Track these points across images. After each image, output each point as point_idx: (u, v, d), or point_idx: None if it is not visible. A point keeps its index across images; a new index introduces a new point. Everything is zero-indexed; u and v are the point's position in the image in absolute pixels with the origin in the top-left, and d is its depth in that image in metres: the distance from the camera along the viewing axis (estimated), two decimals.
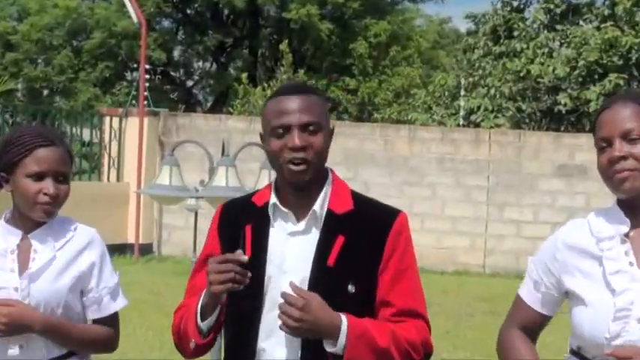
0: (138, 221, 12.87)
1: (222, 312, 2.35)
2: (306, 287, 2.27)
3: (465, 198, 12.99)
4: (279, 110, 2.32)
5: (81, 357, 2.61)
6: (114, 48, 23.63)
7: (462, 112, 17.12)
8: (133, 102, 14.77)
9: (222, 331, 2.42)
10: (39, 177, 2.50)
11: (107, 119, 13.34)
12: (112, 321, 2.64)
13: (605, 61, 15.54)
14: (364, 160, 13.05)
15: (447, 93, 18.17)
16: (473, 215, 12.96)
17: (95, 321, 2.62)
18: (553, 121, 16.21)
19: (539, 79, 16.01)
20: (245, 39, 26.42)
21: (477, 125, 15.95)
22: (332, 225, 2.34)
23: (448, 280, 11.88)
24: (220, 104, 25.15)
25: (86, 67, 24.07)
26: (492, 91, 16.39)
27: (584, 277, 2.24)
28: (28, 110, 13.74)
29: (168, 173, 4.74)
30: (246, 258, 2.22)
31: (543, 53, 16.31)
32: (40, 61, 24.48)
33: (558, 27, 16.87)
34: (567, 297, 2.32)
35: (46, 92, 24.89)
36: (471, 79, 17.39)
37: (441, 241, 12.96)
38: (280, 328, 2.21)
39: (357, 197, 2.41)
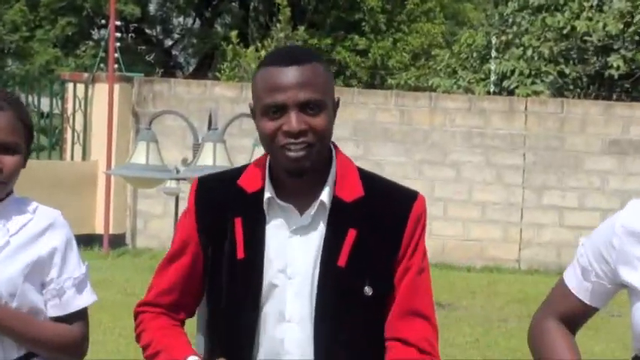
0: (108, 208, 12.90)
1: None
2: (314, 294, 2.27)
3: (496, 180, 13.00)
4: (272, 85, 2.26)
5: None
6: (77, 1, 23.60)
7: (492, 77, 17.08)
8: (101, 65, 14.75)
9: (204, 345, 2.43)
10: None
11: (70, 86, 13.33)
12: (78, 320, 2.61)
13: None
14: (376, 134, 13.06)
15: (474, 54, 18.13)
16: (506, 201, 12.97)
17: (57, 320, 2.59)
18: (603, 87, 16.18)
19: (585, 38, 15.96)
20: None
21: (511, 93, 15.92)
22: (340, 216, 2.32)
23: (476, 279, 11.91)
24: (205, 68, 25.14)
25: (44, 24, 24.05)
26: (529, 52, 16.34)
27: None
28: None
29: (144, 150, 4.75)
30: None
31: (591, 6, 16.25)
32: None
33: None
34: (623, 290, 2.32)
35: None
36: (503, 38, 17.33)
37: (468, 232, 12.98)
38: None
39: (366, 179, 2.39)
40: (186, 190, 5.66)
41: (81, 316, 2.63)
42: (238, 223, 2.33)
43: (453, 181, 13.02)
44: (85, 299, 2.62)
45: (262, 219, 2.33)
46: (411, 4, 24.19)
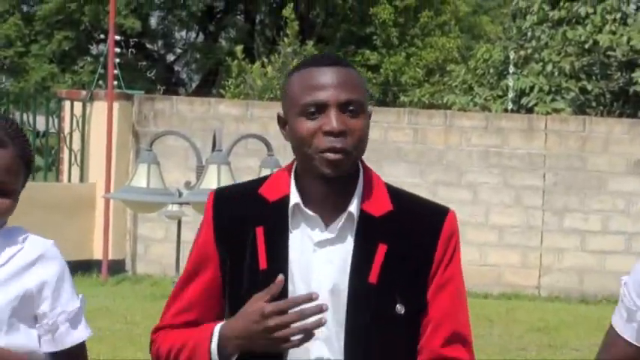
0: (107, 232, 12.91)
1: None
2: (342, 310, 2.28)
3: (514, 202, 13.00)
4: (313, 84, 2.29)
5: None
6: (75, 14, 23.69)
7: (510, 94, 17.09)
8: (100, 82, 14.80)
9: None
10: None
11: (67, 104, 13.36)
12: (75, 356, 2.60)
13: None
14: (389, 154, 13.07)
15: (491, 70, 18.14)
16: (525, 224, 12.96)
17: (53, 356, 2.57)
18: (627, 104, 16.18)
19: (609, 52, 15.98)
20: (240, 2, 26.50)
21: (530, 110, 15.93)
22: (370, 230, 2.34)
23: (494, 306, 11.88)
24: (209, 84, 25.21)
25: (39, 39, 24.15)
26: (549, 68, 16.36)
27: None
28: None
29: (145, 173, 4.78)
30: (318, 296, 2.20)
31: (615, 19, 16.27)
32: None
33: None
34: None
35: None
36: (522, 53, 17.35)
37: (485, 257, 12.97)
38: None
39: (394, 193, 2.42)
40: (189, 214, 5.70)
41: (79, 352, 2.62)
42: (260, 232, 2.33)
43: (469, 203, 13.01)
44: (80, 334, 2.59)
45: (285, 228, 2.33)
46: (424, 17, 24.23)
